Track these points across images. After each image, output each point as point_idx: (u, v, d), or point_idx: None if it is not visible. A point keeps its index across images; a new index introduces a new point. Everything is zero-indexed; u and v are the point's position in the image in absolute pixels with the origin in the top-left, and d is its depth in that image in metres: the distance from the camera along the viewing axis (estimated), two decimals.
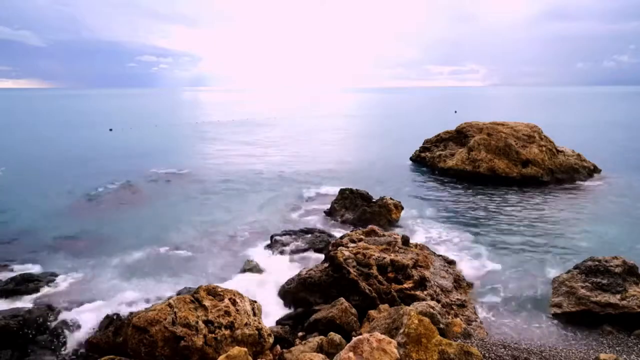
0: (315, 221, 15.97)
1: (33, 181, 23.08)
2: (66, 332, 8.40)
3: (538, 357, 6.51)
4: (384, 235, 11.58)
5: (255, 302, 7.60)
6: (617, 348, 7.62)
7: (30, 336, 8.18)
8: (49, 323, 8.53)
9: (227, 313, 6.57)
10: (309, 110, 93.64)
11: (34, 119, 69.51)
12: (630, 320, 8.40)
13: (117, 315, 7.77)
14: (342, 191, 16.78)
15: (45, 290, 10.42)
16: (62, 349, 7.99)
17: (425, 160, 25.74)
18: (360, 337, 5.51)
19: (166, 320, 6.18)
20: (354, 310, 8.15)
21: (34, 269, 11.73)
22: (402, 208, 16.07)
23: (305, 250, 12.56)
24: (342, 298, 8.39)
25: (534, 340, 7.94)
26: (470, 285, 10.40)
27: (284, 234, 13.49)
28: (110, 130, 48.43)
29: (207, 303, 6.65)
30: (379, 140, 39.76)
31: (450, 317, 8.21)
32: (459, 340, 6.78)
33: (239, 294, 7.20)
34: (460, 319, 8.28)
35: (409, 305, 7.87)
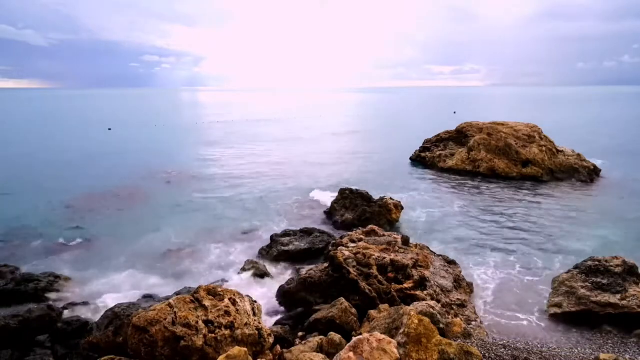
0: (315, 221, 15.97)
1: (33, 181, 23.07)
2: (66, 332, 8.40)
3: (538, 357, 6.51)
4: (384, 235, 11.58)
5: (255, 302, 7.60)
6: (617, 348, 7.61)
7: (30, 336, 8.18)
8: (49, 323, 8.53)
9: (227, 313, 6.57)
10: (309, 110, 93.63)
11: (34, 119, 69.53)
12: (630, 320, 8.40)
13: (117, 315, 7.75)
14: (342, 191, 16.78)
15: (45, 290, 10.41)
16: (62, 349, 7.98)
17: (426, 160, 25.74)
18: (360, 337, 5.50)
19: (166, 320, 6.17)
20: (354, 310, 8.14)
21: (34, 269, 11.73)
22: (402, 208, 16.07)
23: (305, 250, 12.56)
24: (342, 298, 8.38)
25: (534, 341, 7.93)
26: (470, 285, 10.39)
27: (284, 234, 13.49)
28: (110, 129, 48.45)
29: (207, 303, 6.64)
30: (379, 140, 39.77)
31: (450, 317, 8.20)
32: (459, 340, 6.78)
33: (239, 294, 7.19)
34: (460, 319, 8.27)
35: (409, 305, 7.87)
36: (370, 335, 5.49)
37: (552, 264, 11.98)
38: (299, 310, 9.09)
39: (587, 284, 9.22)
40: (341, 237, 11.63)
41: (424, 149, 26.92)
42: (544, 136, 23.48)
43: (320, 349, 6.53)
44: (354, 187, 16.80)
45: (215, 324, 6.35)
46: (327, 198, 18.25)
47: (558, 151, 23.20)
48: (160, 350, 6.00)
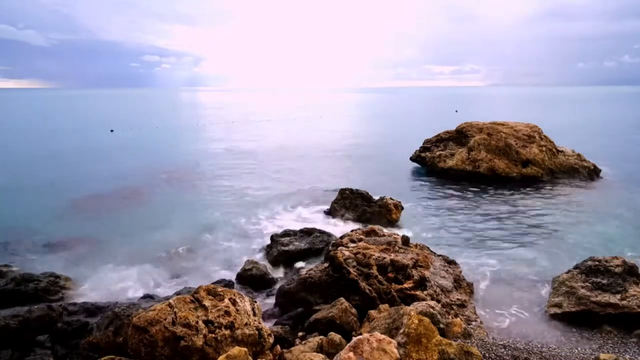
0: (315, 221, 15.96)
1: (33, 181, 23.08)
2: (66, 332, 8.40)
3: (538, 357, 6.51)
4: (384, 235, 11.58)
5: (255, 302, 7.59)
6: (617, 348, 7.61)
7: (30, 336, 8.18)
8: (49, 323, 8.53)
9: (227, 313, 6.56)
10: (310, 110, 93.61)
11: (35, 120, 69.55)
12: (630, 320, 8.40)
13: (117, 315, 7.75)
14: (342, 191, 16.78)
15: (45, 290, 10.41)
16: (62, 349, 7.98)
17: (425, 160, 25.71)
18: (360, 337, 5.50)
19: (166, 320, 6.17)
20: (354, 310, 8.14)
21: (34, 269, 11.73)
22: (402, 208, 16.06)
23: (305, 250, 12.56)
24: (342, 298, 8.38)
25: (534, 340, 7.93)
26: (470, 285, 10.39)
27: (284, 234, 13.49)
28: (112, 131, 48.49)
29: (207, 303, 6.64)
30: (379, 140, 39.76)
31: (450, 317, 8.20)
32: (459, 340, 6.78)
33: (239, 293, 7.19)
34: (460, 319, 8.27)
35: (409, 305, 7.87)
36: (370, 335, 5.49)
37: (552, 263, 11.97)
38: (299, 310, 9.09)
39: (587, 284, 9.22)
40: (341, 237, 11.63)
41: (424, 149, 26.89)
42: (544, 136, 23.47)
43: (320, 349, 6.53)
44: (353, 187, 16.81)
45: (215, 324, 6.35)
46: (327, 198, 18.26)
47: (558, 151, 23.20)
48: (160, 350, 6.00)
